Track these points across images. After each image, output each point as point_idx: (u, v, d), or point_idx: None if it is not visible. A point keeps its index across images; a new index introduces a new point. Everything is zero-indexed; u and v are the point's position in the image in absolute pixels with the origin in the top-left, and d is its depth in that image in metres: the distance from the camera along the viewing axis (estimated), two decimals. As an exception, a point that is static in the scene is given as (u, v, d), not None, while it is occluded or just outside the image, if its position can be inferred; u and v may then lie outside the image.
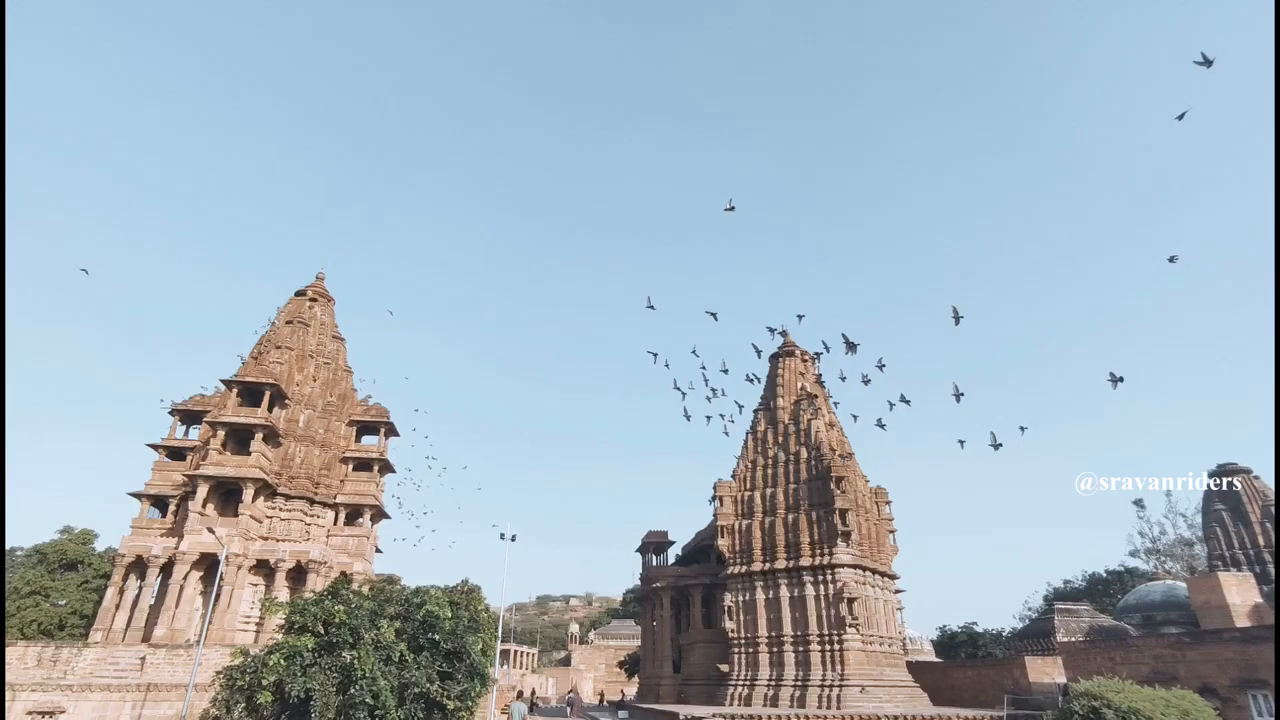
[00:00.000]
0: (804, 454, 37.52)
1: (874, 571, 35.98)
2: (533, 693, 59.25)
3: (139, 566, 36.50)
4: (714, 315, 35.71)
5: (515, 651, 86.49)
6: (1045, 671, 33.56)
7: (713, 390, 40.17)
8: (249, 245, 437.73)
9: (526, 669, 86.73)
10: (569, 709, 46.22)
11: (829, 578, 34.06)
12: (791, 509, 36.80)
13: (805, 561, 34.83)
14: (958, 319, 30.45)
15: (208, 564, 35.31)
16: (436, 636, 16.35)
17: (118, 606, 35.84)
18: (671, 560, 48.85)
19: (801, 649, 33.85)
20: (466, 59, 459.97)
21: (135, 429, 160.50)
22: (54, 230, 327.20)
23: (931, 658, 54.04)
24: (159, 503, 38.56)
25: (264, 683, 14.74)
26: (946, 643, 56.15)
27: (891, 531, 39.23)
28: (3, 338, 21.55)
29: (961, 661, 46.46)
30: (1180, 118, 25.17)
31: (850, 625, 32.64)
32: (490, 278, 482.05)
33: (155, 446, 39.87)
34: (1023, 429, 33.90)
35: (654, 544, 48.48)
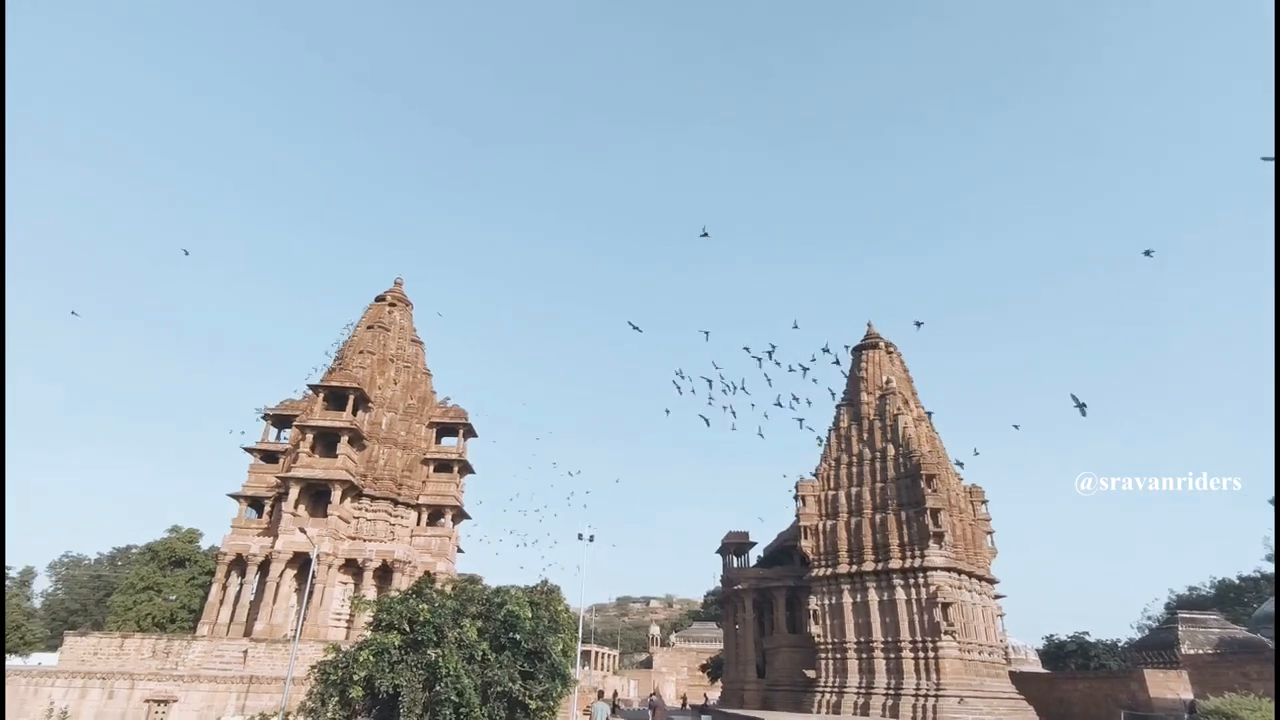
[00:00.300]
0: (891, 451, 35.78)
1: (970, 575, 33.95)
2: (614, 694, 59.11)
3: (239, 564, 38.46)
4: (705, 333, 43.35)
5: (596, 653, 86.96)
6: (1168, 686, 31.11)
7: (719, 389, 40.34)
8: (314, 262, 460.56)
9: (607, 670, 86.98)
10: (651, 712, 45.71)
11: (921, 581, 32.35)
12: (879, 509, 35.15)
13: (895, 564, 33.20)
14: (919, 324, 32.65)
15: (301, 562, 36.80)
16: (517, 636, 16.25)
17: (221, 602, 37.91)
18: (753, 562, 47.79)
19: (893, 656, 32.27)
20: (480, 62, 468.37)
21: (234, 434, 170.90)
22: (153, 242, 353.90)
23: (1037, 668, 51.03)
24: (255, 503, 40.56)
25: (355, 678, 15.03)
26: (1054, 653, 52.84)
27: (989, 533, 36.98)
28: (3, 338, 22.63)
29: (1071, 673, 43.47)
30: (1268, 159, 22.27)
31: (945, 631, 30.91)
32: (525, 281, 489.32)
33: (250, 450, 41.97)
34: (1016, 426, 32.52)
35: (734, 545, 47.51)
